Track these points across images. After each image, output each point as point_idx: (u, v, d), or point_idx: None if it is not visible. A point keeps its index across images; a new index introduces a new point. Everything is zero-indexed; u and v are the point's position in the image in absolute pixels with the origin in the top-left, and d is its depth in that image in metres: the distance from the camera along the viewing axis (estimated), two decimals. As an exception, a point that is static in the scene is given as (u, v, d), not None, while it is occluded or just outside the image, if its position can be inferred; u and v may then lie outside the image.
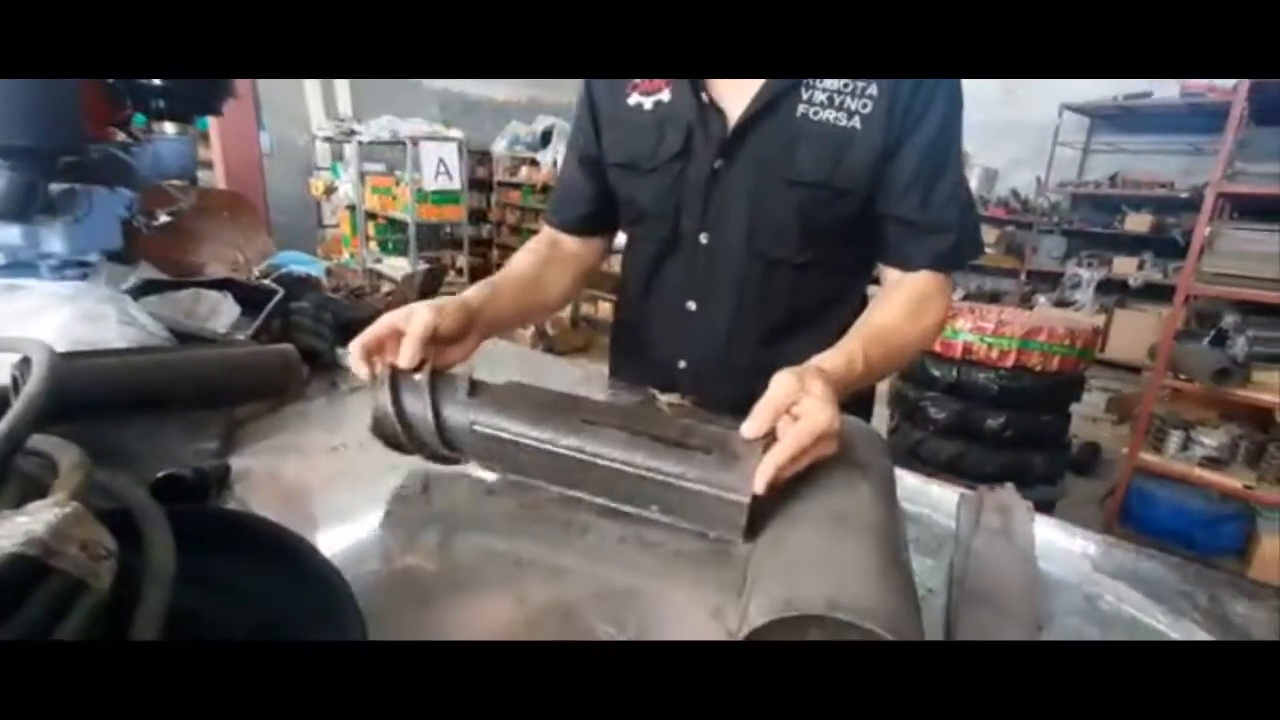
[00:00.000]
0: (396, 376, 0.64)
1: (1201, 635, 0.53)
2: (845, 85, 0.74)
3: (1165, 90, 4.77)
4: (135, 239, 0.98)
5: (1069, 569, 0.61)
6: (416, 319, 0.62)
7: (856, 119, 0.73)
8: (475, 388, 0.64)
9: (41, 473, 0.40)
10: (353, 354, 0.63)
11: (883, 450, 0.68)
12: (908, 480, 0.76)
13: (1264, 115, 2.30)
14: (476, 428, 0.63)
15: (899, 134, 0.73)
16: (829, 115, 0.74)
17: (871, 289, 0.91)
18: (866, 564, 0.47)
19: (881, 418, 2.85)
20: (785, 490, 0.59)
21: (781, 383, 0.57)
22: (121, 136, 0.93)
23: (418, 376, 0.63)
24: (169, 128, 0.95)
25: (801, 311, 0.85)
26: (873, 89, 0.73)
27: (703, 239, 0.84)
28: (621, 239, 0.99)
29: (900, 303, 0.77)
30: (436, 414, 0.63)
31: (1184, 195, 4.75)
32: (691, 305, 0.89)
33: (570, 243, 0.95)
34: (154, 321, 0.77)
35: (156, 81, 0.83)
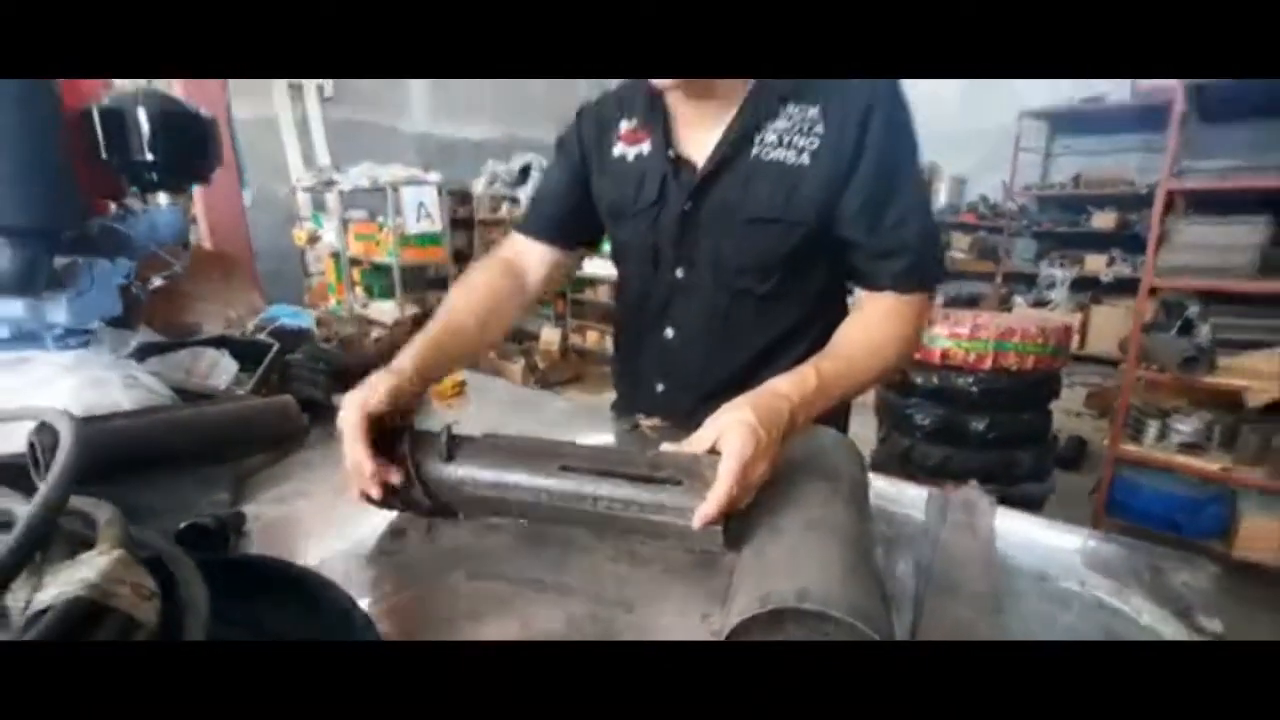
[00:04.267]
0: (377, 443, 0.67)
1: (1145, 606, 0.58)
2: (793, 125, 0.80)
3: (1118, 91, 4.97)
4: (134, 304, 1.03)
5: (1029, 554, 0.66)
6: (349, 429, 0.65)
7: (805, 155, 0.79)
8: (453, 446, 0.66)
9: (82, 529, 0.44)
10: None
11: (855, 458, 0.73)
12: (884, 487, 0.81)
13: (1208, 113, 2.42)
14: (460, 486, 0.65)
15: (847, 166, 0.78)
16: (779, 154, 0.80)
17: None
18: (835, 564, 0.52)
19: (870, 426, 2.91)
20: (763, 504, 0.64)
21: (701, 430, 0.61)
22: (114, 208, 0.98)
23: (401, 448, 0.66)
24: (162, 197, 1.00)
25: (770, 338, 0.90)
26: (819, 127, 0.79)
27: (678, 274, 0.90)
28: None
29: (860, 320, 0.82)
30: (421, 478, 0.65)
31: (1144, 192, 4.91)
32: (669, 333, 0.95)
33: (534, 255, 0.98)
34: (158, 382, 0.82)
35: (149, 156, 0.88)
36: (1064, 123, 5.56)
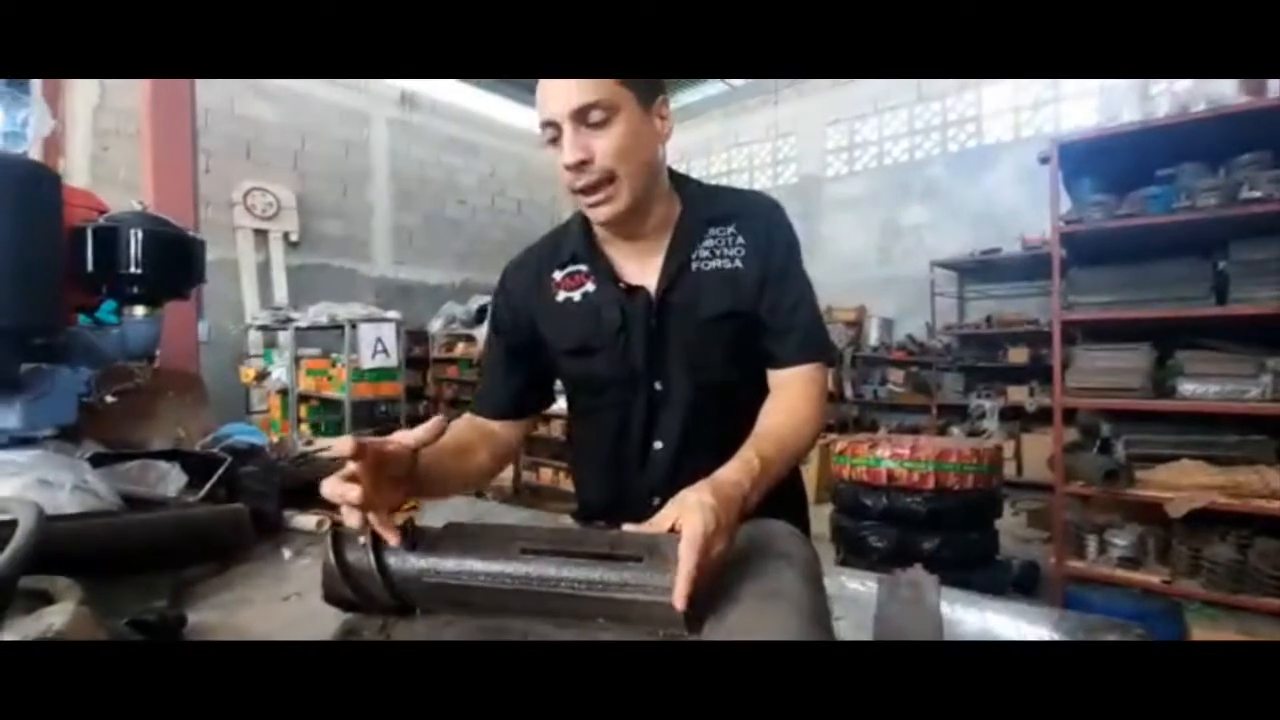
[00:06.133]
0: (339, 535, 0.67)
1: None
2: (719, 241, 0.95)
3: (1011, 247, 5.69)
4: (87, 415, 1.01)
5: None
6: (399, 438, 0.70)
7: (737, 260, 0.94)
8: (416, 535, 0.67)
9: (38, 602, 0.43)
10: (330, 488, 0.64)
11: (804, 543, 0.77)
12: (847, 580, 0.87)
13: (1080, 259, 2.81)
14: (423, 576, 0.65)
15: (765, 265, 0.94)
16: (716, 263, 0.94)
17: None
18: (793, 624, 0.54)
19: (828, 553, 2.90)
20: (722, 583, 0.66)
21: (662, 512, 0.66)
22: (84, 320, 1.00)
23: (361, 539, 0.66)
24: (139, 310, 1.03)
25: (735, 425, 0.93)
26: (740, 239, 0.95)
27: (657, 386, 0.97)
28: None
29: (778, 404, 0.91)
30: (381, 568, 0.65)
31: (1047, 329, 5.45)
32: (658, 445, 0.99)
33: (495, 426, 1.03)
34: (108, 489, 0.80)
35: (135, 270, 0.92)
36: (970, 272, 6.27)
